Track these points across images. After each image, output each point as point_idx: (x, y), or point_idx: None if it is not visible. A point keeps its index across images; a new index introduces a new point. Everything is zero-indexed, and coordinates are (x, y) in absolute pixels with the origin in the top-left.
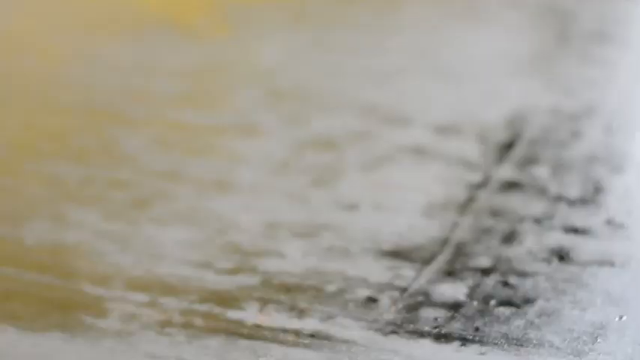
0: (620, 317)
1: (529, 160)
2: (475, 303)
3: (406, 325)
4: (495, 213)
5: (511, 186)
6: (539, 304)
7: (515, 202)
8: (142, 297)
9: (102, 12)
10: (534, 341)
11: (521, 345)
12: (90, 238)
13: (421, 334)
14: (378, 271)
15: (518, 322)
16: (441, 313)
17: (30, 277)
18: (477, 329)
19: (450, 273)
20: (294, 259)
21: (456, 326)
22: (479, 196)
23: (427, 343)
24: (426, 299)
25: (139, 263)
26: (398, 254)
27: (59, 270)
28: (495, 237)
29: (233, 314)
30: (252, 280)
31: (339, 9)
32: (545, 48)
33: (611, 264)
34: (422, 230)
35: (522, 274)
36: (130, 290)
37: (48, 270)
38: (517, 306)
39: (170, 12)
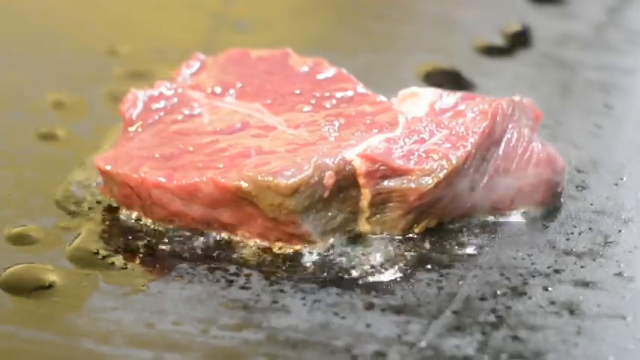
0: None
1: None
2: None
3: None
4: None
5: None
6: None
7: (523, 255)
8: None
9: None
10: None
11: None
12: None
13: None
14: (385, 326)
15: None
16: None
17: (30, 334)
18: None
19: (459, 327)
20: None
21: None
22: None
23: None
24: (436, 354)
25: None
26: (405, 309)
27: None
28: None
29: None
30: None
31: None
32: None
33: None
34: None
35: (532, 328)
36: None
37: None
38: None
39: None
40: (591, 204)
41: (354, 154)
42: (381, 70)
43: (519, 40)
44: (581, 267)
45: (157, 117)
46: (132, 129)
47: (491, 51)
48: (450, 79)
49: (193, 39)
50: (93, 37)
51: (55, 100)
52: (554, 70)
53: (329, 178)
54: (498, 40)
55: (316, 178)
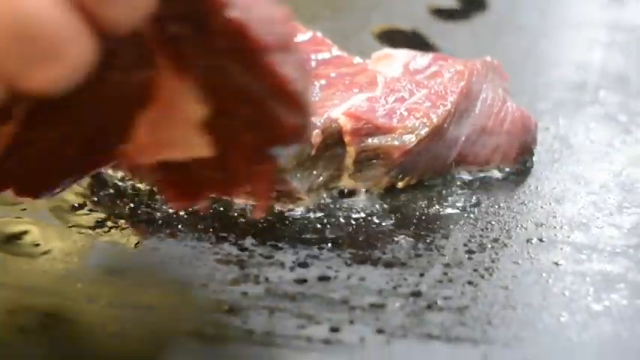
0: None
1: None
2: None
3: (415, 329)
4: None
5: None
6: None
7: (504, 209)
8: None
9: None
10: None
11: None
12: None
13: (430, 337)
14: (379, 279)
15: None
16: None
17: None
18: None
19: (451, 280)
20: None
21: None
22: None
23: (437, 345)
24: (431, 305)
25: None
26: (396, 263)
27: None
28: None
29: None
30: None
31: None
32: None
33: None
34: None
35: (520, 279)
36: None
37: None
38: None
39: None
40: (563, 159)
41: (339, 113)
42: (341, 35)
43: (475, 4)
44: (561, 219)
45: None
46: None
47: (447, 14)
48: (410, 42)
49: None
50: None
51: None
52: (511, 33)
53: (316, 137)
54: (454, 4)
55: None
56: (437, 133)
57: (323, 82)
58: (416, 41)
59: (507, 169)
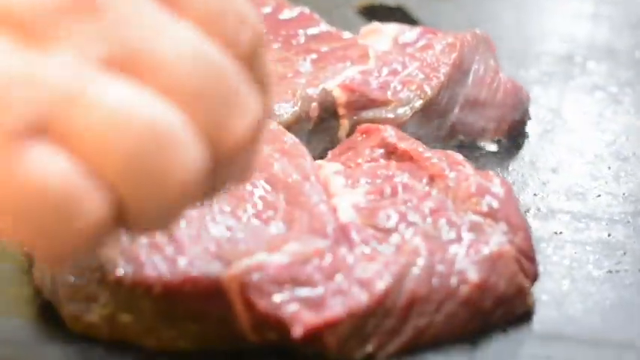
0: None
1: None
2: None
3: None
4: None
5: None
6: None
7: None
8: None
9: None
10: None
11: None
12: None
13: None
14: None
15: None
16: None
17: None
18: None
19: None
20: None
21: None
22: None
23: None
24: None
25: None
26: None
27: None
28: None
29: None
30: None
31: None
32: None
33: None
34: None
35: None
36: None
37: None
38: None
39: None
40: (556, 130)
41: (334, 85)
42: (323, 11)
43: None
44: (558, 189)
45: None
46: None
47: None
48: (394, 17)
49: None
50: None
51: None
52: (495, 7)
53: (314, 110)
54: None
55: (304, 109)
56: (430, 105)
57: (314, 56)
58: (400, 16)
59: (501, 141)
